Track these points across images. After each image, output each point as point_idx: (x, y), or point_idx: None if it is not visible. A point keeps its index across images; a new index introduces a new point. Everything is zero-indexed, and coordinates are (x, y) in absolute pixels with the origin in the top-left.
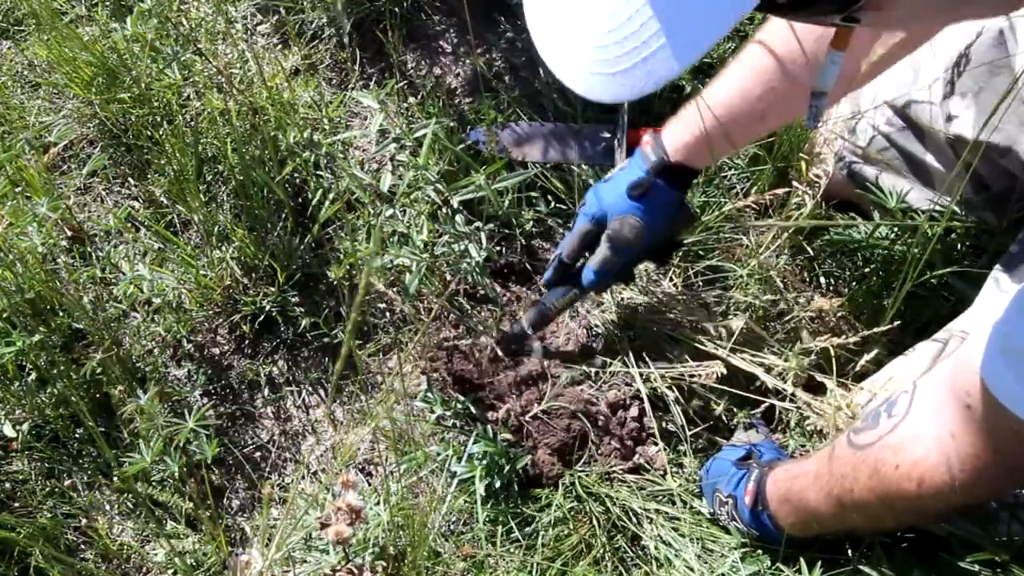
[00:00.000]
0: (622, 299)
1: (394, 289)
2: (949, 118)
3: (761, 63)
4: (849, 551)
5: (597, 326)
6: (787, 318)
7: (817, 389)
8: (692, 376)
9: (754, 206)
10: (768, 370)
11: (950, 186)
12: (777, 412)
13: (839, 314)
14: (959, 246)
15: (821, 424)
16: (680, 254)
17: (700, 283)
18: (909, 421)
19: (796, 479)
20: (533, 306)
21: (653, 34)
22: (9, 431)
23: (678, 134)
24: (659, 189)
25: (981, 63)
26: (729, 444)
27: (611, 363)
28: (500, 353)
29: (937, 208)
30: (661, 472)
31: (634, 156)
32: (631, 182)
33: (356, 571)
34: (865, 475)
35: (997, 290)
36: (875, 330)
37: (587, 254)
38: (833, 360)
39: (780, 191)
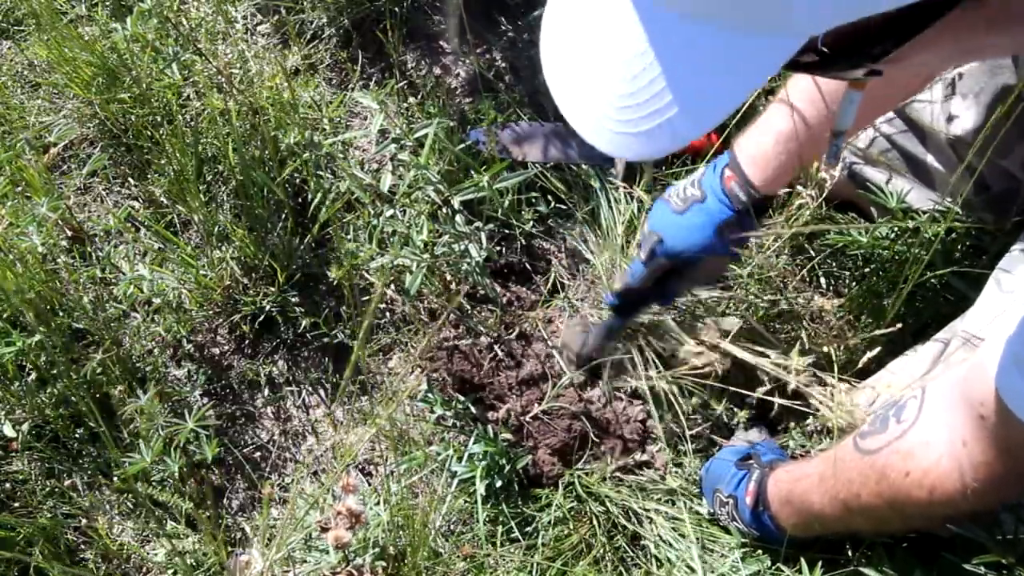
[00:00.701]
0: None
1: (393, 288)
2: (950, 118)
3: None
4: (850, 551)
5: (593, 316)
6: (787, 318)
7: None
8: (690, 367)
9: None
10: (771, 362)
11: (951, 187)
12: (776, 411)
13: (839, 314)
14: (960, 246)
15: (824, 420)
16: None
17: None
18: (919, 427)
19: (799, 481)
20: (593, 327)
21: (671, 101)
22: (9, 431)
23: (759, 165)
24: (748, 224)
25: (981, 64)
26: (729, 444)
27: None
28: (572, 368)
29: (938, 208)
30: (661, 472)
31: (711, 188)
32: (721, 223)
33: (356, 572)
34: (873, 480)
35: (999, 291)
36: (876, 333)
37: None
38: (834, 360)
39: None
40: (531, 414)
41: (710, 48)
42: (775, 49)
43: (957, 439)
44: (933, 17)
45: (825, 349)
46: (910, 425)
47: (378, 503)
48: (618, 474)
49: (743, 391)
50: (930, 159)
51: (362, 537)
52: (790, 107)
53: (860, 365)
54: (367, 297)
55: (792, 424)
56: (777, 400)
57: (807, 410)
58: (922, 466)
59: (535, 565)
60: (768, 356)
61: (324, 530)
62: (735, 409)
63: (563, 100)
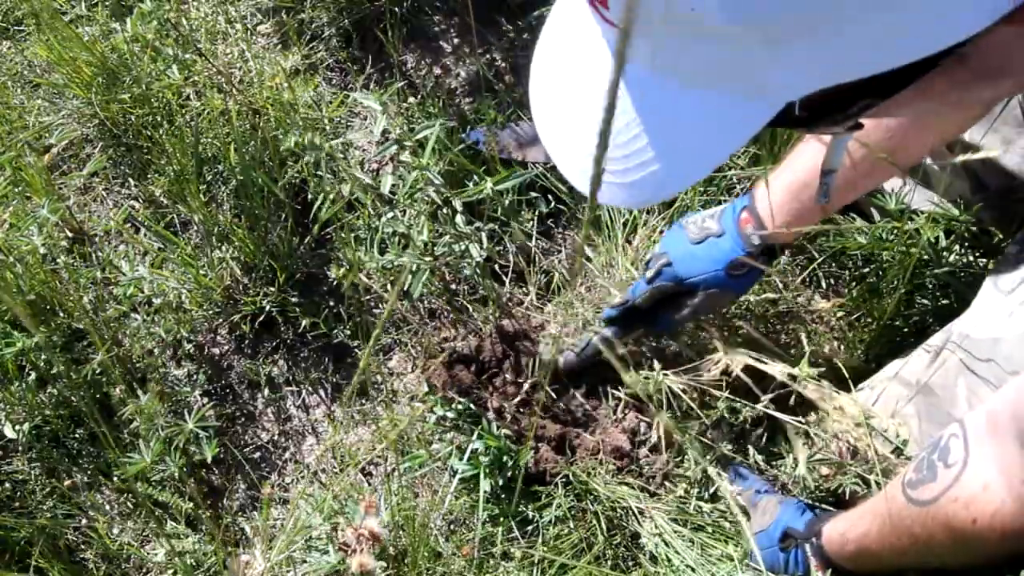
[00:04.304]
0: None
1: (391, 288)
2: None
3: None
4: None
5: (591, 323)
6: (787, 318)
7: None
8: (697, 377)
9: None
10: (780, 371)
11: (947, 186)
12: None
13: (839, 314)
14: (959, 246)
15: (834, 428)
16: None
17: None
18: (971, 470)
19: (859, 543)
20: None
21: (653, 157)
22: (9, 431)
23: (776, 212)
24: (756, 267)
25: None
26: (758, 532)
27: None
28: (562, 375)
29: (937, 209)
30: (662, 472)
31: (730, 227)
32: (732, 262)
33: None
34: (940, 533)
35: (995, 290)
36: (875, 333)
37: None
38: (843, 368)
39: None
40: (519, 399)
41: (691, 110)
42: (754, 113)
43: (1014, 473)
44: (911, 78)
45: (826, 348)
46: (961, 469)
47: (379, 502)
48: (619, 473)
49: (740, 399)
50: (927, 159)
51: None
52: (807, 155)
53: (859, 366)
54: (367, 297)
55: (788, 444)
56: (779, 415)
57: (799, 423)
58: (988, 511)
59: (535, 564)
60: (775, 364)
61: (344, 550)
62: (737, 405)
63: (553, 147)
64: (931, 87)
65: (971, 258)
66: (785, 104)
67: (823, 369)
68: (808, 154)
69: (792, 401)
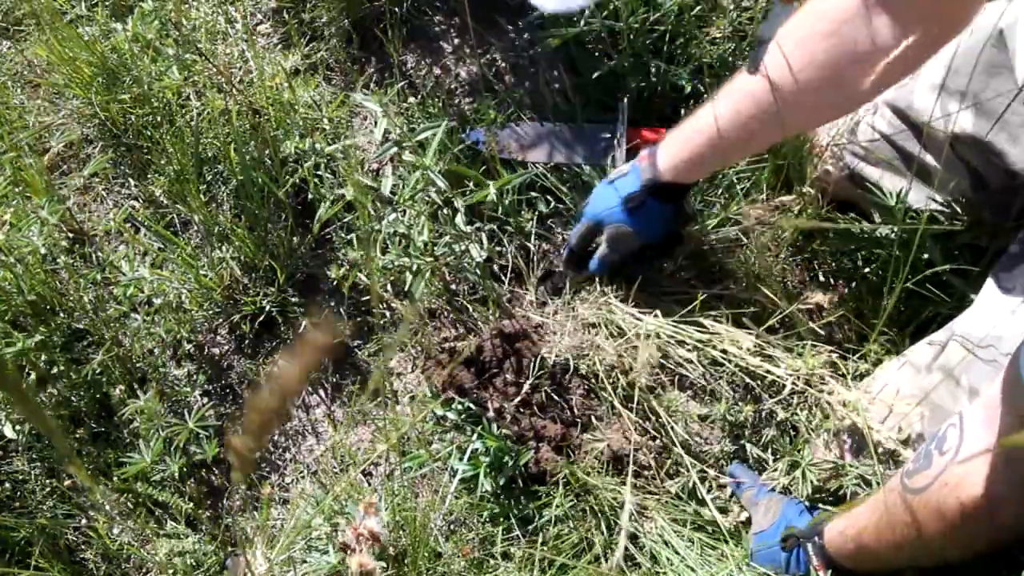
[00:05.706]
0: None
1: (391, 289)
2: (948, 118)
3: (754, 87)
4: None
5: (586, 318)
6: (786, 318)
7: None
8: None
9: (761, 214)
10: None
11: (950, 185)
12: (775, 419)
13: (838, 313)
14: (959, 245)
15: (832, 424)
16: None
17: (700, 283)
18: (963, 456)
19: (858, 539)
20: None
21: None
22: (9, 431)
23: (673, 152)
24: (651, 204)
25: (980, 63)
26: (757, 532)
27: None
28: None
29: (937, 207)
30: (662, 471)
31: (635, 165)
32: (626, 195)
33: None
34: (931, 519)
35: (997, 289)
36: (875, 332)
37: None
38: (844, 368)
39: (787, 198)
40: (519, 399)
41: None
42: None
43: (1001, 459)
44: None
45: (826, 347)
46: (954, 455)
47: (379, 502)
48: (619, 472)
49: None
50: (929, 158)
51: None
52: (707, 111)
53: (854, 364)
54: (366, 297)
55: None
56: (762, 437)
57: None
58: (975, 495)
59: (535, 563)
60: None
61: (345, 549)
62: (739, 404)
63: None
64: None
65: (971, 257)
66: None
67: (829, 371)
68: (708, 110)
69: (794, 401)
